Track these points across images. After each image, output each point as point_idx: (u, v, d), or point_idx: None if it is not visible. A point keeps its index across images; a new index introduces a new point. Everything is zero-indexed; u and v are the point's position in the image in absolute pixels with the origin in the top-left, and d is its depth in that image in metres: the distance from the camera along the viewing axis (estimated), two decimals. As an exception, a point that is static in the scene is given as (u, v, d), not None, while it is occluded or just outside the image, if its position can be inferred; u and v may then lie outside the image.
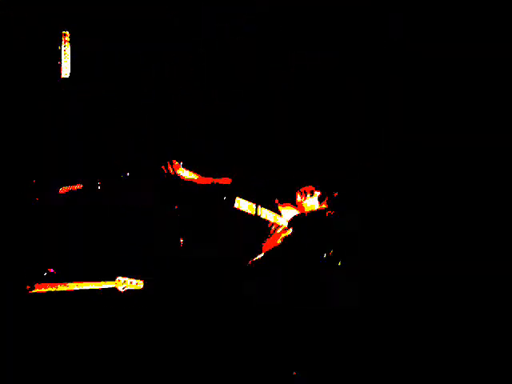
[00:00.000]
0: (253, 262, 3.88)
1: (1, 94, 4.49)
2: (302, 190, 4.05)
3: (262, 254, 3.88)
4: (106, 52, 4.71)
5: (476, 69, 4.46)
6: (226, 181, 4.00)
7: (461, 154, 4.47)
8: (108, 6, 4.64)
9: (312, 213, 3.96)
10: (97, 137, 4.68)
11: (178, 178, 3.99)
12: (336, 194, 3.98)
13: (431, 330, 4.17)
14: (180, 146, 4.75)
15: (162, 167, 3.98)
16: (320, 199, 4.02)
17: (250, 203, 3.84)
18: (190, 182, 4.03)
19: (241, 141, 4.76)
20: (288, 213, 3.99)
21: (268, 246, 3.90)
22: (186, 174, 4.01)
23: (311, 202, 4.02)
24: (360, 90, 4.68)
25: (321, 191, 4.03)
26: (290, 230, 3.89)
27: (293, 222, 3.91)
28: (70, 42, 4.47)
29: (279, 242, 3.90)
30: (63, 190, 4.07)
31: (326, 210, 3.98)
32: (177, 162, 3.98)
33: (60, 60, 4.46)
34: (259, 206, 3.84)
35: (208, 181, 4.05)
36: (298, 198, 4.05)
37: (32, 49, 4.54)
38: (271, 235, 3.92)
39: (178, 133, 4.80)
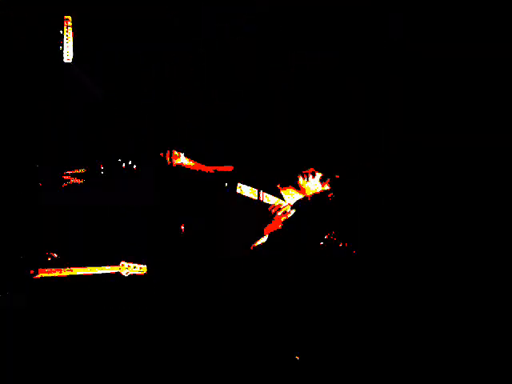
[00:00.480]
0: (255, 246, 3.89)
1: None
2: (303, 172, 4.05)
3: (264, 238, 3.88)
4: (106, 52, 4.71)
5: (476, 69, 4.46)
6: (228, 168, 4.00)
7: (461, 154, 4.47)
8: (108, 6, 4.64)
9: (314, 195, 3.96)
10: (96, 137, 4.67)
11: (178, 166, 3.99)
12: (338, 177, 3.98)
13: (430, 328, 4.17)
14: (180, 146, 4.75)
15: (162, 155, 3.98)
16: (322, 180, 4.02)
17: (252, 188, 3.85)
18: (191, 170, 4.03)
19: (241, 141, 4.76)
20: (291, 196, 3.99)
21: (269, 229, 3.91)
22: (185, 161, 4.01)
23: (313, 184, 4.02)
24: (360, 90, 4.68)
25: (322, 173, 4.03)
26: (291, 213, 3.88)
27: (295, 205, 3.91)
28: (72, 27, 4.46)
29: (280, 225, 3.90)
30: (66, 175, 4.06)
31: (328, 191, 3.98)
32: (176, 152, 3.98)
33: (62, 45, 4.45)
34: (261, 191, 3.85)
35: (209, 169, 4.05)
36: (300, 181, 4.04)
37: (33, 39, 4.54)
38: (272, 219, 3.92)
39: (178, 133, 4.80)
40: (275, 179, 4.07)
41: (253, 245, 3.90)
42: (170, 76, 4.82)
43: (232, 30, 4.79)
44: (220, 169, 4.04)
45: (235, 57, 4.82)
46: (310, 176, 4.02)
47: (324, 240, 3.81)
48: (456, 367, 4.03)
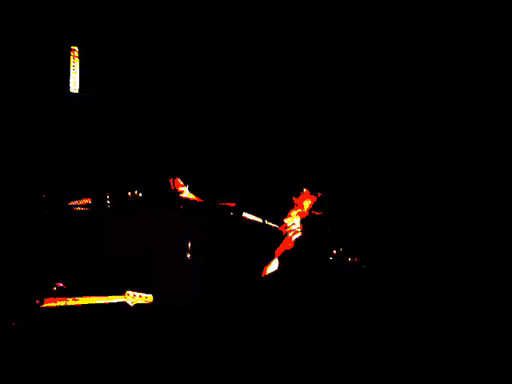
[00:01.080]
0: (267, 268, 3.92)
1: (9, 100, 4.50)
2: (298, 192, 4.08)
3: (276, 259, 3.91)
4: (106, 52, 4.72)
5: (476, 69, 4.46)
6: (230, 205, 4.02)
7: (461, 154, 4.47)
8: (108, 6, 4.64)
9: (312, 209, 3.99)
10: (97, 137, 4.68)
11: (182, 198, 4.01)
12: (320, 195, 4.01)
13: (431, 332, 4.17)
14: (180, 146, 4.75)
15: (170, 181, 4.00)
16: (314, 195, 4.04)
17: (256, 217, 3.91)
18: (192, 201, 4.05)
19: (241, 141, 4.77)
20: (294, 219, 4.03)
21: (281, 250, 3.94)
22: (187, 192, 4.03)
23: (308, 201, 4.05)
24: (360, 90, 4.68)
25: (313, 190, 4.05)
26: (300, 232, 3.91)
27: (303, 224, 3.96)
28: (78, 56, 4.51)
29: (291, 245, 3.93)
30: (72, 203, 4.06)
31: (321, 203, 4.00)
32: (181, 182, 4.00)
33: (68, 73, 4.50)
34: (265, 220, 3.90)
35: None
36: (297, 200, 4.07)
37: (36, 56, 4.56)
38: (283, 239, 3.95)
39: (178, 133, 4.80)
40: (276, 206, 4.10)
41: (265, 266, 3.92)
42: (169, 76, 4.82)
43: (232, 30, 4.79)
44: (223, 204, 4.05)
45: (235, 57, 4.82)
46: (304, 194, 4.05)
47: (332, 255, 3.84)
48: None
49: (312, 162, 4.58)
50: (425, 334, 4.13)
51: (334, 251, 3.85)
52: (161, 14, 4.71)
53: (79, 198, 4.07)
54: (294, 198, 4.02)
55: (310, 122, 4.77)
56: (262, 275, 3.90)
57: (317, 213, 3.98)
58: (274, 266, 3.93)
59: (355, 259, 3.88)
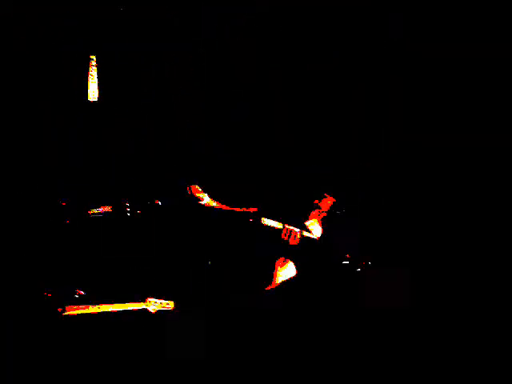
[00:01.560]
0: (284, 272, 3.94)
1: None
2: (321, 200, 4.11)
3: (292, 264, 3.93)
4: (106, 52, 4.72)
5: (476, 69, 4.46)
6: (252, 210, 4.03)
7: (461, 154, 4.47)
8: (108, 6, 4.64)
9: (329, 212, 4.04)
10: (97, 137, 4.68)
11: (202, 206, 4.01)
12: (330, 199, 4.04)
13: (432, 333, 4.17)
14: (180, 146, 4.76)
15: (188, 189, 4.00)
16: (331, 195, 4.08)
17: (276, 222, 3.92)
18: (215, 209, 4.05)
19: (241, 141, 4.77)
20: (315, 226, 4.06)
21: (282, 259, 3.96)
22: (207, 199, 4.03)
23: (326, 205, 4.09)
24: (360, 90, 4.69)
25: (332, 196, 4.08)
26: (300, 237, 3.93)
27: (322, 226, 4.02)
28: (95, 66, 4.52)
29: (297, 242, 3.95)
30: (92, 211, 4.05)
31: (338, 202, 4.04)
32: (197, 187, 4.00)
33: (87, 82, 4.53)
34: (285, 223, 3.91)
35: (234, 209, 4.07)
36: (318, 206, 4.10)
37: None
38: (286, 245, 3.96)
39: (178, 133, 4.80)
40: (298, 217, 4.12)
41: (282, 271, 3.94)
42: (169, 76, 4.82)
43: (232, 30, 4.80)
44: (245, 210, 4.05)
45: (235, 57, 4.82)
46: (325, 197, 4.07)
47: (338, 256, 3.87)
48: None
49: (312, 162, 4.58)
50: (424, 334, 4.13)
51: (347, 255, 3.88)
52: (161, 14, 4.71)
53: (99, 206, 4.07)
54: (316, 201, 4.04)
55: (309, 122, 4.77)
56: (280, 281, 3.93)
57: (338, 212, 4.01)
58: (291, 270, 3.95)
59: (354, 259, 3.89)
